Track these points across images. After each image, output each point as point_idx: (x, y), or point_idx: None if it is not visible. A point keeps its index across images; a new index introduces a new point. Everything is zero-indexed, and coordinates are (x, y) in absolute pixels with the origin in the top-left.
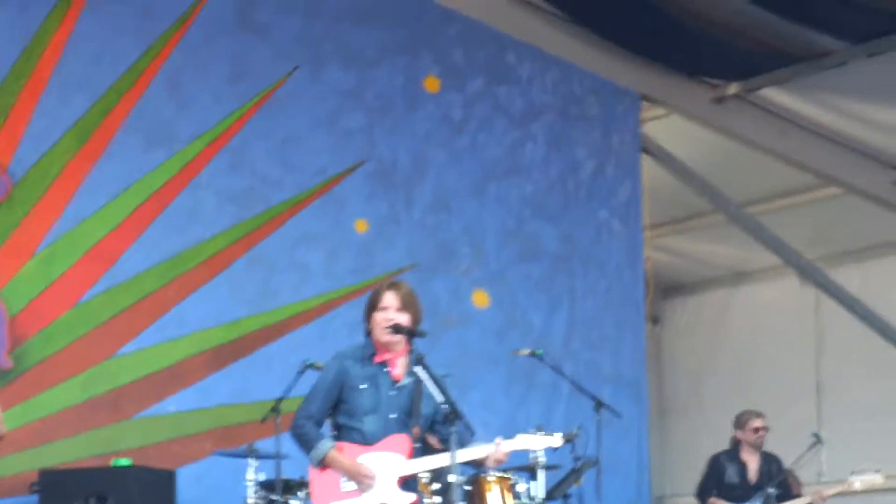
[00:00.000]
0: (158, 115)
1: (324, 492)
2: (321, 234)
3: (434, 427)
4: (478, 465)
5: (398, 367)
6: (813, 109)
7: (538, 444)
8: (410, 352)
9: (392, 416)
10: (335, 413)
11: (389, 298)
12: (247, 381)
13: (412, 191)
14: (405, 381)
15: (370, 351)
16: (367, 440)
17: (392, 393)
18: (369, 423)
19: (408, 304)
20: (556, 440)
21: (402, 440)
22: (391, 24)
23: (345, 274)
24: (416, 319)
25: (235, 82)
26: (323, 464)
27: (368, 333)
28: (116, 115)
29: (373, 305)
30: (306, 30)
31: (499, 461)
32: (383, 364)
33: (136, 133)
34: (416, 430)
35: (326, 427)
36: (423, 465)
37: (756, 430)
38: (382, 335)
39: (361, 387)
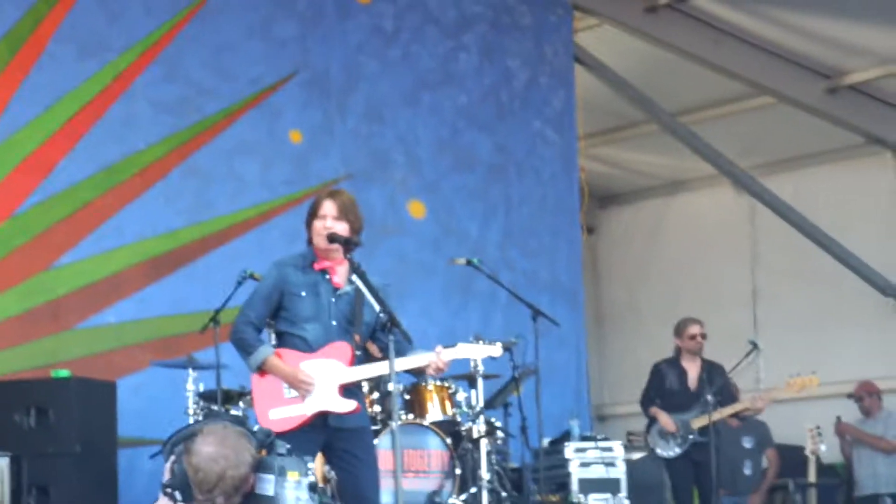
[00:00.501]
0: (90, 24)
1: (265, 398)
2: (256, 144)
3: (375, 335)
4: (418, 374)
5: (338, 275)
6: (746, 19)
7: (479, 352)
8: (351, 261)
9: (333, 322)
10: (277, 320)
11: (328, 207)
12: (185, 291)
13: (345, 101)
14: (346, 288)
15: (311, 259)
16: (310, 347)
17: (333, 300)
18: (311, 330)
19: (346, 213)
20: (497, 349)
21: (343, 347)
22: None
23: (280, 184)
24: (354, 228)
25: None
26: (261, 369)
27: (310, 241)
28: (48, 25)
29: (312, 213)
30: None
31: (439, 370)
32: (324, 272)
33: (68, 43)
34: (357, 338)
35: (267, 336)
36: (364, 373)
37: (693, 336)
38: (320, 243)
39: (302, 294)
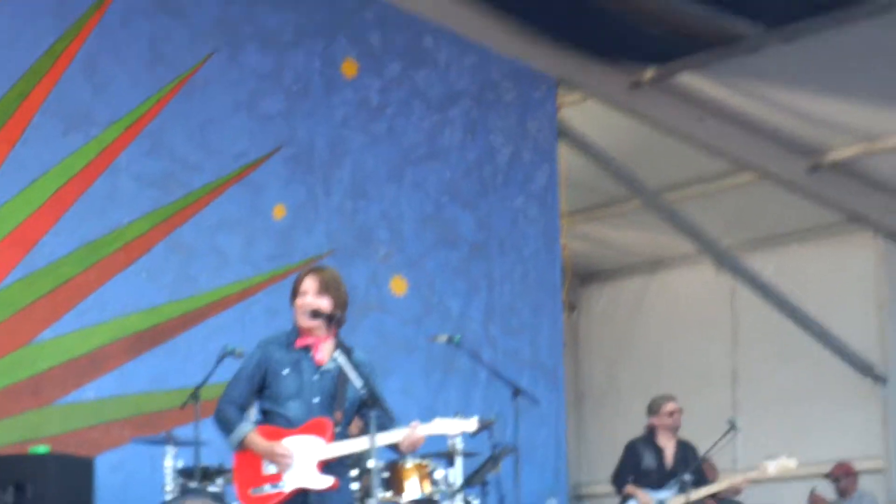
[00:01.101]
0: (76, 98)
1: (245, 475)
2: (239, 220)
3: (361, 412)
4: (398, 451)
5: (321, 352)
6: (729, 95)
7: (454, 428)
8: (336, 337)
9: (315, 400)
10: (261, 399)
11: (308, 283)
12: (166, 367)
13: (330, 176)
14: (328, 365)
15: (294, 336)
16: (292, 424)
17: (315, 377)
18: (293, 408)
19: (328, 288)
20: (472, 424)
21: (324, 423)
22: (308, 8)
23: (263, 260)
24: (338, 304)
25: (153, 66)
26: (241, 447)
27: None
28: (34, 99)
29: (294, 290)
30: (224, 13)
31: (414, 444)
32: (306, 349)
33: (53, 117)
34: (338, 415)
35: (256, 414)
36: (343, 449)
37: (671, 413)
38: (303, 320)
39: (284, 372)
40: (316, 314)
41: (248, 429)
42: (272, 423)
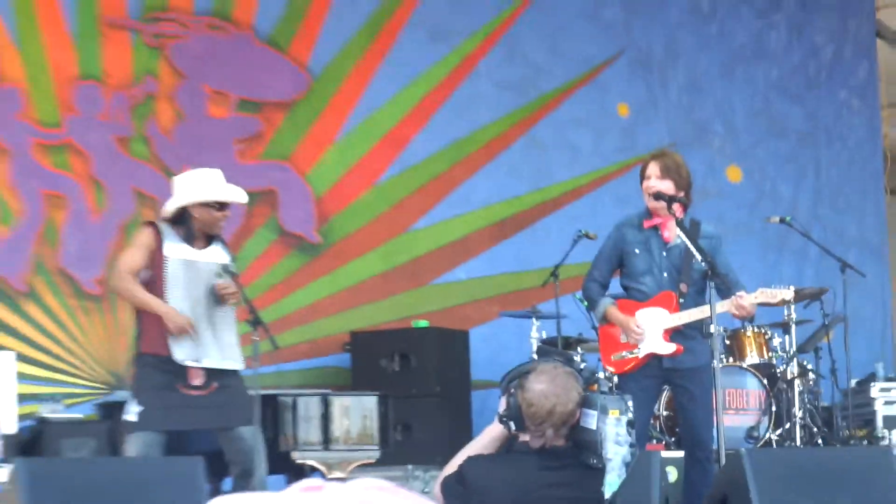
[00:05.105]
0: (438, 13)
1: (608, 343)
2: (588, 118)
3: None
4: (740, 318)
5: (668, 230)
6: None
7: (774, 296)
8: (682, 215)
9: (664, 274)
10: (621, 276)
11: (651, 168)
12: (527, 250)
13: (667, 75)
14: (675, 242)
15: (644, 217)
16: (647, 297)
17: (663, 254)
18: (647, 283)
19: (669, 172)
20: (789, 293)
21: (669, 296)
22: None
23: (611, 153)
24: (679, 186)
25: None
26: (604, 320)
27: None
28: (401, 15)
29: (640, 175)
30: None
31: (742, 311)
32: (655, 228)
33: (419, 29)
34: (683, 287)
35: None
36: (683, 319)
37: None
38: (648, 202)
39: (636, 251)
40: (658, 196)
41: (608, 303)
42: (630, 298)
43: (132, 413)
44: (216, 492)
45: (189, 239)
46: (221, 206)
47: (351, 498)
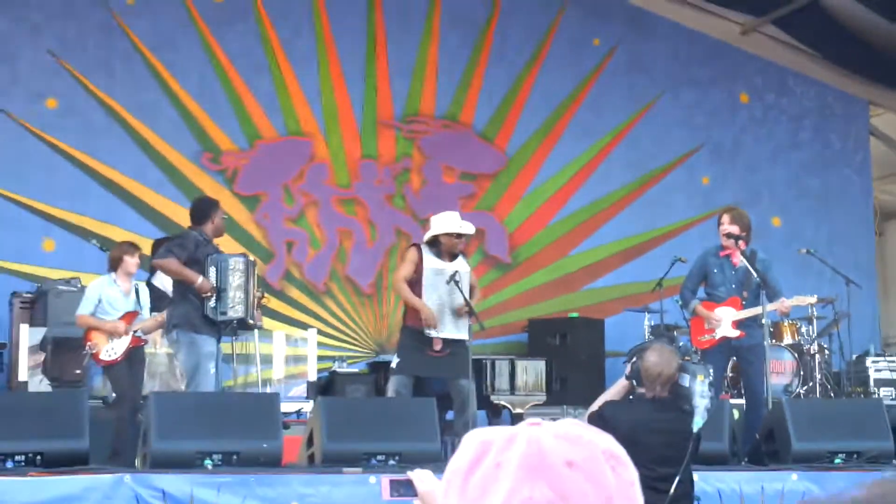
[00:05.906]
0: (588, 116)
1: (697, 329)
2: (682, 186)
3: (759, 291)
4: (778, 315)
5: (736, 258)
6: None
7: (804, 300)
8: (744, 248)
9: (733, 286)
10: (705, 286)
11: (724, 217)
12: (642, 268)
13: (734, 159)
14: (740, 265)
15: (720, 249)
16: (722, 300)
17: (732, 272)
18: (722, 291)
19: (736, 220)
20: (813, 298)
21: (736, 299)
22: None
23: (697, 207)
24: (742, 229)
25: None
26: (694, 314)
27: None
28: (566, 117)
29: (717, 222)
30: None
31: (784, 311)
32: (727, 256)
33: (577, 126)
34: (744, 294)
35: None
36: (744, 314)
37: None
38: (722, 240)
39: (714, 270)
40: (729, 235)
41: (697, 303)
42: (711, 300)
43: (395, 362)
44: (442, 419)
45: (439, 255)
46: (459, 235)
47: (561, 428)
